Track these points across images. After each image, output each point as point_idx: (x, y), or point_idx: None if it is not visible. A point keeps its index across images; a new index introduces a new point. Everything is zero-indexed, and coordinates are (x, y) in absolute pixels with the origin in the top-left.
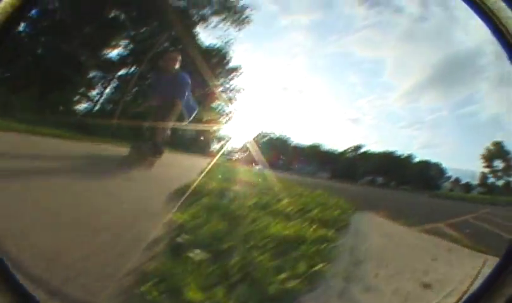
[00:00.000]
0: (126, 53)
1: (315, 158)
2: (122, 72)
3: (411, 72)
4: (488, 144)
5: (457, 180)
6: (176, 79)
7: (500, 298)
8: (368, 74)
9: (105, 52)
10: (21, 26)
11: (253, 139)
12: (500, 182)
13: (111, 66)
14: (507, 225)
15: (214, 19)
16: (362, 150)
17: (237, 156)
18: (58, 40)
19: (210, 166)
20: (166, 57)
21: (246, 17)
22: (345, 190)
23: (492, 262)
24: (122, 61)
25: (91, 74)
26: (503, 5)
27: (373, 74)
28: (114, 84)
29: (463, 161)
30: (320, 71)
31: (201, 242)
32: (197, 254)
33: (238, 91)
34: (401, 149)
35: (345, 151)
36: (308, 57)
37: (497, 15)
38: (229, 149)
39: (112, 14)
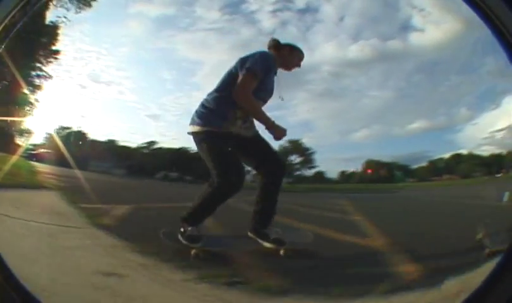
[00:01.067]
0: None
1: (112, 154)
2: None
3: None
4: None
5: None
6: None
7: (500, 298)
8: (183, 73)
9: None
10: None
11: (54, 133)
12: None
13: None
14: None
15: None
16: (157, 146)
17: (39, 151)
18: None
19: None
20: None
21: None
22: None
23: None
24: None
25: None
26: (503, 5)
27: (188, 74)
28: None
29: None
30: (137, 63)
31: None
32: None
33: (49, 78)
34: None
35: (139, 147)
36: (133, 49)
37: (497, 15)
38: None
39: None
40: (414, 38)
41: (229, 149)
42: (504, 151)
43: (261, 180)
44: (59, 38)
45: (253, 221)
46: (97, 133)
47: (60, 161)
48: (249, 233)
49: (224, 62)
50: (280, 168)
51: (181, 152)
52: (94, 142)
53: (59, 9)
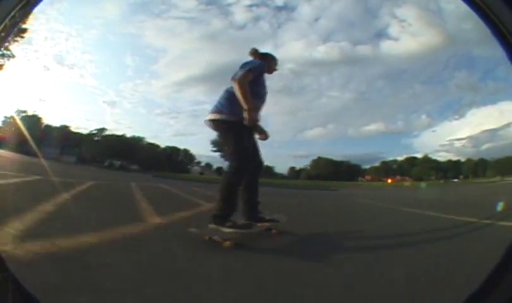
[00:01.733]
0: None
1: (63, 140)
2: None
3: (190, 65)
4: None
5: (208, 165)
6: None
7: (500, 298)
8: (145, 60)
9: None
10: None
11: (13, 116)
12: None
13: None
14: None
15: None
16: (106, 133)
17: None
18: None
19: None
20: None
21: None
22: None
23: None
24: None
25: None
26: (503, 5)
27: (150, 61)
28: None
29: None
30: (103, 47)
31: None
32: None
33: (11, 58)
34: (153, 135)
35: (90, 133)
36: (103, 32)
37: (497, 15)
38: None
39: None
40: (386, 46)
41: (246, 137)
42: (462, 158)
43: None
44: (36, 16)
45: (246, 210)
46: (53, 118)
47: (17, 147)
48: (243, 221)
49: (187, 51)
50: (261, 164)
51: (132, 141)
52: (48, 127)
53: None
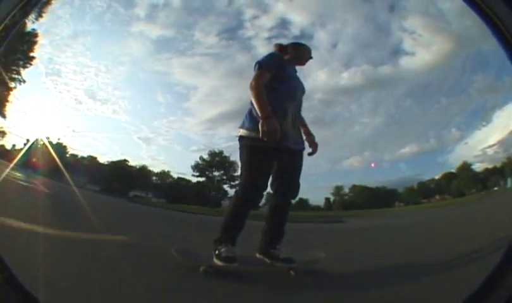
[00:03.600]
0: None
1: (91, 169)
2: None
3: (221, 102)
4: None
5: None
6: None
7: (500, 298)
8: (177, 97)
9: None
10: None
11: (46, 144)
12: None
13: None
14: None
15: None
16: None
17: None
18: None
19: None
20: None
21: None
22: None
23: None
24: None
25: None
26: (503, 5)
27: (181, 98)
28: None
29: None
30: (133, 84)
31: None
32: None
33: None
34: (189, 172)
35: (117, 165)
36: (132, 68)
37: (497, 15)
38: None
39: None
40: (405, 62)
41: (263, 157)
42: (497, 164)
43: (271, 200)
44: (63, 48)
45: (261, 242)
46: (86, 149)
47: (50, 172)
48: (257, 255)
49: (217, 88)
50: (291, 191)
51: (161, 174)
52: (78, 156)
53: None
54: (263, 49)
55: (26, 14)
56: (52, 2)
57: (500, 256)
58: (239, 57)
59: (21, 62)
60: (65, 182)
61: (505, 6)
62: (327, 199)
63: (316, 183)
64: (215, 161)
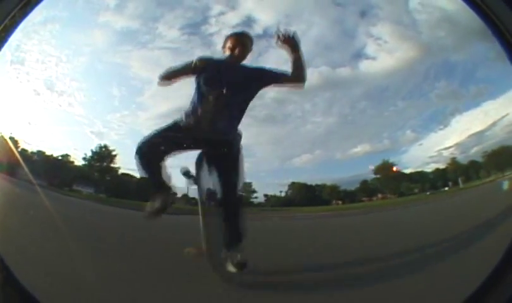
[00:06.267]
0: None
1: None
2: None
3: (174, 98)
4: None
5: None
6: None
7: (500, 298)
8: (132, 91)
9: None
10: None
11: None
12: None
13: None
14: None
15: None
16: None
17: None
18: None
19: None
20: None
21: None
22: None
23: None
24: None
25: None
26: (503, 5)
27: (136, 92)
28: None
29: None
30: (91, 76)
31: None
32: None
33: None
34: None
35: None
36: (92, 59)
37: (497, 15)
38: None
39: None
40: (365, 66)
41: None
42: (449, 166)
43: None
44: (31, 35)
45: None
46: (40, 143)
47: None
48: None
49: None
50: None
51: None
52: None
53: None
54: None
55: (26, 14)
56: None
57: (500, 256)
58: (198, 52)
59: None
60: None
61: (505, 6)
62: (265, 196)
63: (266, 180)
64: None
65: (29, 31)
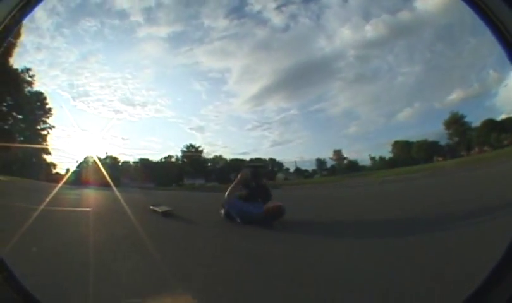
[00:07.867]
0: None
1: (140, 172)
2: None
3: (258, 78)
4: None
5: (287, 170)
6: None
7: (500, 298)
8: (214, 82)
9: None
10: None
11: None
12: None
13: None
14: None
15: None
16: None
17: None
18: None
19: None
20: None
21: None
22: None
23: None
24: None
25: None
26: (503, 5)
27: (219, 82)
28: None
29: (316, 152)
30: (165, 82)
31: None
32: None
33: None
34: (251, 150)
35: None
36: (157, 68)
37: (497, 15)
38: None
39: None
40: (420, 4)
41: None
42: None
43: None
44: (78, 72)
45: None
46: (139, 153)
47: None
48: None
49: (249, 65)
50: None
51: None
52: (128, 163)
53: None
54: (278, 19)
55: (26, 14)
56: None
57: (500, 256)
58: (258, 31)
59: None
60: (116, 187)
61: (505, 6)
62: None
63: (376, 140)
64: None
65: (72, 71)
